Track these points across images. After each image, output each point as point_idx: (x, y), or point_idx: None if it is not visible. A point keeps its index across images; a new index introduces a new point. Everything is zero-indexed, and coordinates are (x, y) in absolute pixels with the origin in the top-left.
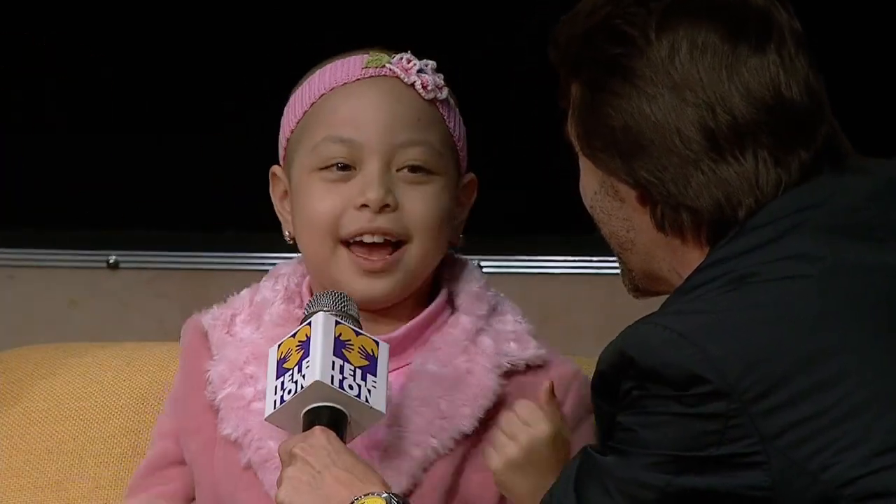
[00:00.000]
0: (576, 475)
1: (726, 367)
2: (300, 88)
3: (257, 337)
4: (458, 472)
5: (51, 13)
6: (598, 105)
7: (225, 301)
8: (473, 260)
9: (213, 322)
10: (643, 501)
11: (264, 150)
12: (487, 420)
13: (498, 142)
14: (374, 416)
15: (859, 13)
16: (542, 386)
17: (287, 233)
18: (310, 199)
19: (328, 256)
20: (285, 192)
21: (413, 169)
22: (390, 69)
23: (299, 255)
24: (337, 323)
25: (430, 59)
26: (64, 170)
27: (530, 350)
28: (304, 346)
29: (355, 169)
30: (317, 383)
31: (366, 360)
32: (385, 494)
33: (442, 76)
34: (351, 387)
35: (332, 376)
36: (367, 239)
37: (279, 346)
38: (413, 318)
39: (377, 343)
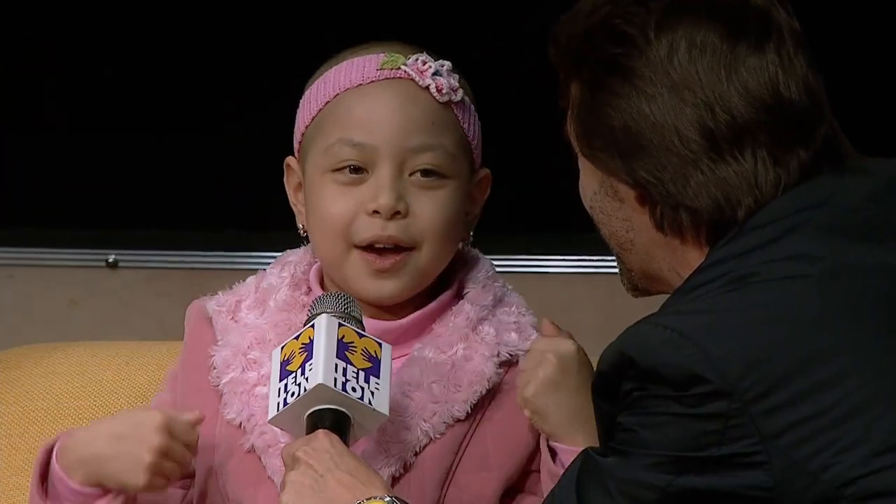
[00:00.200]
0: (577, 476)
1: (727, 367)
2: (316, 83)
3: (261, 322)
4: (453, 460)
5: (51, 13)
6: (597, 105)
7: (230, 288)
8: None
9: (218, 308)
10: (644, 502)
11: (264, 149)
12: (481, 407)
13: (498, 141)
14: (378, 419)
15: (859, 13)
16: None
17: (301, 225)
18: (323, 201)
19: (340, 257)
20: (299, 185)
21: (425, 173)
22: (405, 71)
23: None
24: (340, 325)
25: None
26: (63, 169)
27: (531, 342)
28: (308, 349)
29: (368, 172)
30: (320, 386)
31: (369, 362)
32: (388, 498)
33: (457, 77)
34: (354, 389)
35: (335, 379)
36: (379, 245)
37: (282, 348)
38: (419, 308)
39: (380, 345)
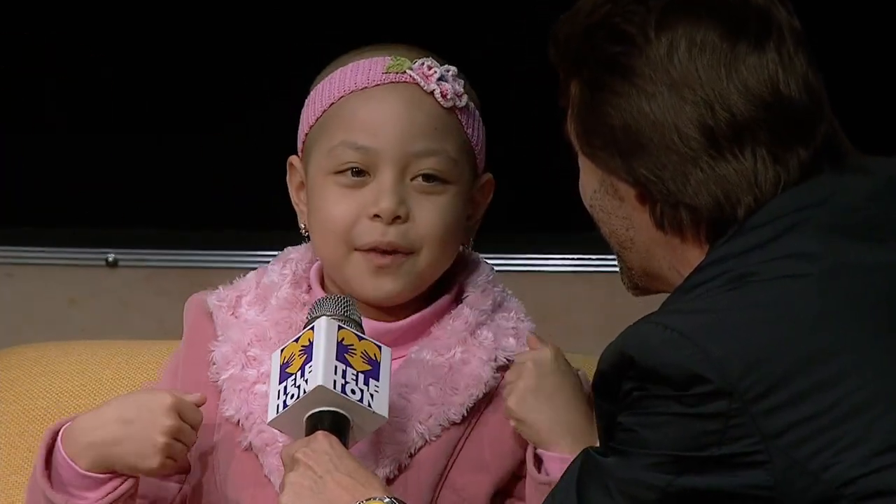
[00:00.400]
0: (577, 476)
1: (727, 367)
2: (322, 84)
3: (262, 319)
4: (447, 463)
5: (51, 13)
6: (597, 104)
7: (231, 283)
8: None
9: (219, 303)
10: (644, 502)
11: (264, 149)
12: (477, 411)
13: (498, 141)
14: (377, 421)
15: (860, 12)
16: None
17: (302, 225)
18: (325, 203)
19: (341, 259)
20: (301, 184)
21: (427, 178)
22: (410, 76)
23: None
24: (340, 328)
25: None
26: (63, 169)
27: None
28: (307, 351)
29: (370, 175)
30: (319, 388)
31: (368, 364)
32: (387, 499)
33: (463, 82)
34: (353, 391)
35: (335, 381)
36: (382, 248)
37: (282, 350)
38: (418, 311)
39: (380, 347)
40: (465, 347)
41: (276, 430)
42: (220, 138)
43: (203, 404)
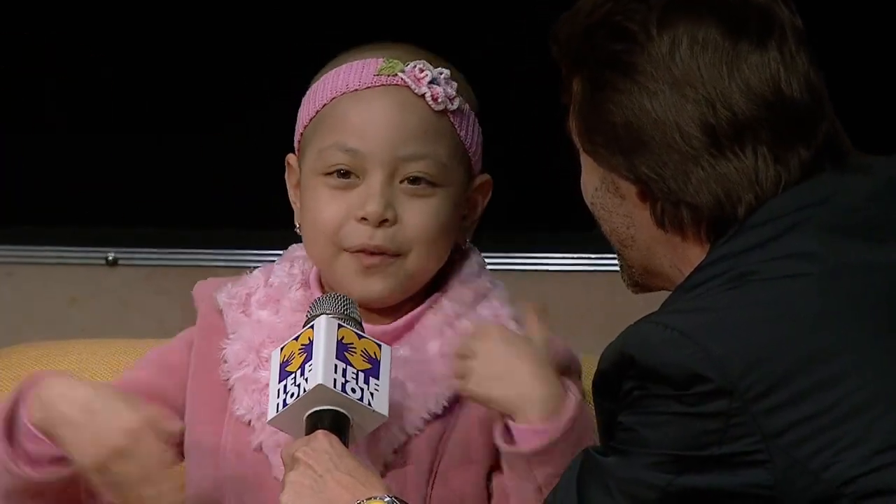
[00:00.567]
0: (578, 475)
1: (727, 366)
2: (316, 84)
3: (276, 321)
4: (435, 457)
5: (51, 13)
6: (599, 101)
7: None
8: None
9: (229, 301)
10: (645, 501)
11: (264, 149)
12: (459, 401)
13: (498, 140)
14: (377, 419)
15: (861, 11)
16: None
17: (298, 224)
18: (315, 203)
19: (330, 259)
20: (298, 183)
21: (415, 181)
22: (402, 79)
23: None
24: (339, 326)
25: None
26: (63, 169)
27: None
28: (307, 350)
29: (359, 177)
30: (319, 387)
31: (368, 363)
32: (388, 498)
33: (456, 85)
34: (353, 390)
35: (335, 380)
36: (370, 249)
37: (281, 349)
38: (411, 311)
39: (380, 346)
40: (443, 340)
41: (287, 434)
42: (220, 138)
43: (180, 434)
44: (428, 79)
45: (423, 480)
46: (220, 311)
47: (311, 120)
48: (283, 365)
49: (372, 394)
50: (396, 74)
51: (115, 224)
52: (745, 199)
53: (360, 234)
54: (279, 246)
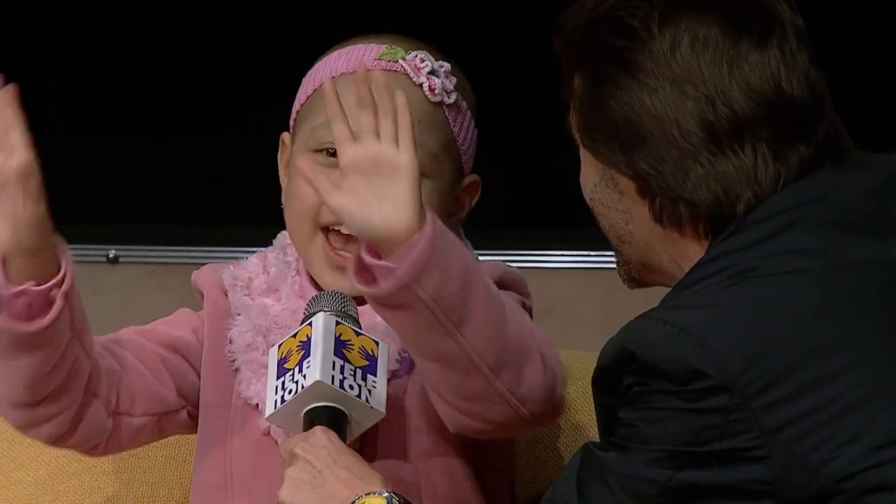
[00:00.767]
0: (578, 471)
1: (727, 362)
2: (317, 64)
3: (279, 308)
4: (404, 417)
5: (51, 13)
6: (599, 97)
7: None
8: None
9: (234, 283)
10: (645, 497)
11: (263, 147)
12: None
13: (498, 139)
14: (375, 416)
15: (862, 9)
16: None
17: (283, 202)
18: (298, 178)
19: (305, 239)
20: (289, 161)
21: None
22: (402, 66)
23: None
24: (337, 323)
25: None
26: (63, 168)
27: None
28: (305, 347)
29: None
30: (317, 383)
31: (366, 360)
32: (386, 493)
33: (455, 81)
34: (351, 387)
35: (333, 376)
36: (344, 230)
37: (280, 346)
38: None
39: (377, 343)
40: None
41: None
42: (220, 138)
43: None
44: (427, 69)
45: (396, 444)
46: (226, 293)
47: (307, 98)
48: (282, 361)
49: (370, 390)
50: (397, 61)
51: (116, 222)
52: (743, 196)
53: None
54: None
